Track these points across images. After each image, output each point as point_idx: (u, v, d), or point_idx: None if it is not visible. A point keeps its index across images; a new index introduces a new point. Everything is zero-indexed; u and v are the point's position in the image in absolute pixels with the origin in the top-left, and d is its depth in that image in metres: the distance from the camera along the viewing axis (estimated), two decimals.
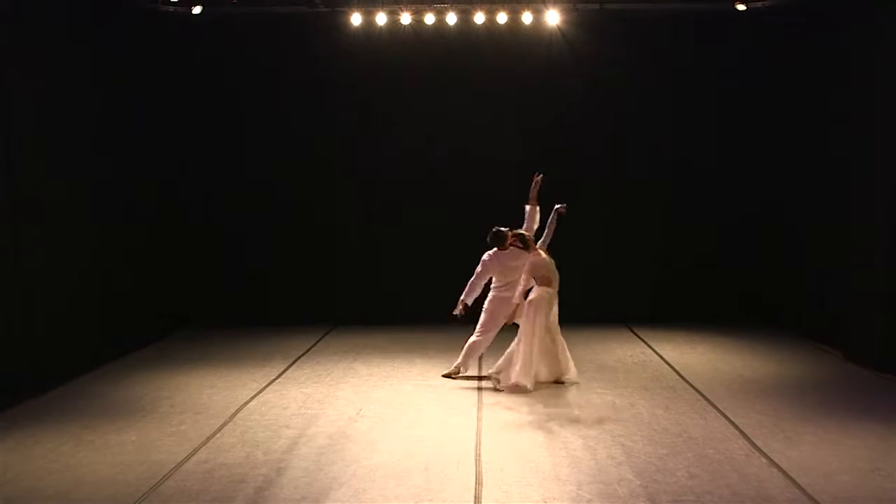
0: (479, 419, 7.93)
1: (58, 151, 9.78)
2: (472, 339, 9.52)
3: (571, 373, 9.29)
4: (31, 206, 9.20)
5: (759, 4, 12.33)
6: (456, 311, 9.53)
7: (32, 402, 8.58)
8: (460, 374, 9.53)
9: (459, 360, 9.53)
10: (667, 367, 10.05)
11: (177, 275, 12.59)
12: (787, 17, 12.05)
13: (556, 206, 9.43)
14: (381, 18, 12.19)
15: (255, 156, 12.86)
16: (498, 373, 9.27)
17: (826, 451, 6.99)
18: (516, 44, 12.51)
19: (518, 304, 9.09)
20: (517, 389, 8.87)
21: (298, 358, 10.57)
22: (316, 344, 11.44)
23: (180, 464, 6.75)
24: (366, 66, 12.59)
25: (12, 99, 8.98)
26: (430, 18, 12.27)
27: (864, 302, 10.05)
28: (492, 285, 9.58)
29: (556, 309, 9.27)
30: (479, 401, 8.58)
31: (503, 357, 9.27)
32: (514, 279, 9.23)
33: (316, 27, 12.60)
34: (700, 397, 8.65)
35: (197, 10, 12.31)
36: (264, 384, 9.26)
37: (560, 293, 9.25)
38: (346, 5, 12.21)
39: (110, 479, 6.45)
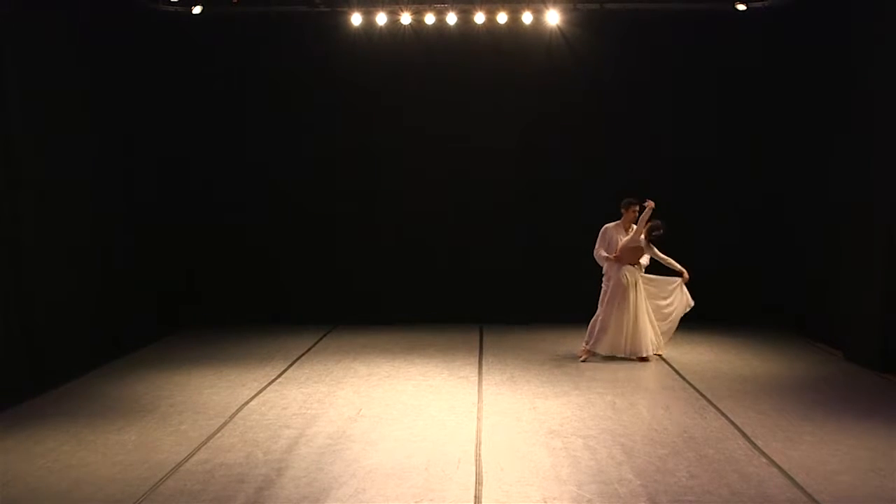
0: (479, 419, 7.93)
1: (57, 151, 9.77)
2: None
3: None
4: (30, 206, 9.18)
5: (758, 4, 12.34)
6: None
7: (32, 401, 8.59)
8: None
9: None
10: (667, 366, 10.07)
11: (177, 274, 12.60)
12: (787, 17, 12.06)
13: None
14: (381, 18, 12.19)
15: (256, 155, 12.86)
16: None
17: (826, 450, 7.00)
18: (516, 44, 12.51)
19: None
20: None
21: (299, 358, 10.57)
22: (316, 344, 11.44)
23: (180, 463, 6.76)
24: (366, 66, 12.60)
25: (12, 98, 8.97)
26: (430, 18, 12.27)
27: (865, 302, 10.04)
28: None
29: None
30: (480, 401, 8.59)
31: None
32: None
33: (316, 27, 12.61)
34: (700, 397, 8.66)
35: (197, 9, 12.32)
36: (265, 384, 9.27)
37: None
38: (346, 5, 12.21)
39: (110, 478, 6.46)
